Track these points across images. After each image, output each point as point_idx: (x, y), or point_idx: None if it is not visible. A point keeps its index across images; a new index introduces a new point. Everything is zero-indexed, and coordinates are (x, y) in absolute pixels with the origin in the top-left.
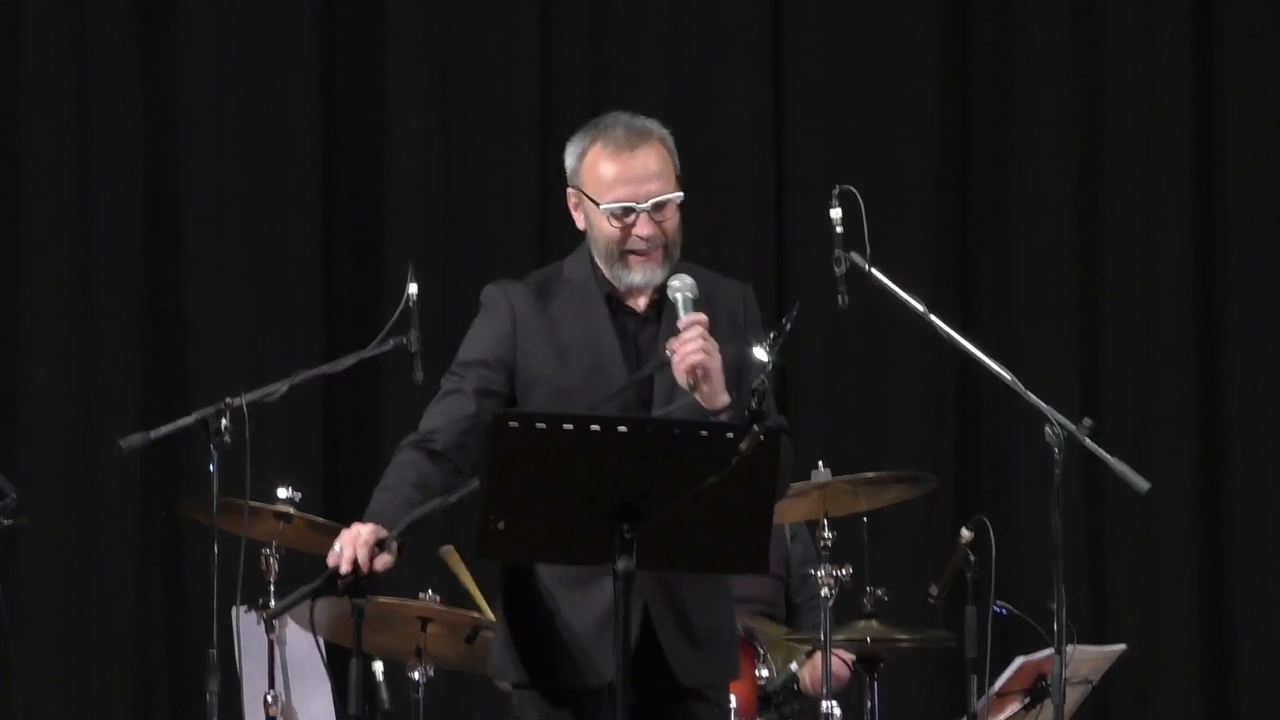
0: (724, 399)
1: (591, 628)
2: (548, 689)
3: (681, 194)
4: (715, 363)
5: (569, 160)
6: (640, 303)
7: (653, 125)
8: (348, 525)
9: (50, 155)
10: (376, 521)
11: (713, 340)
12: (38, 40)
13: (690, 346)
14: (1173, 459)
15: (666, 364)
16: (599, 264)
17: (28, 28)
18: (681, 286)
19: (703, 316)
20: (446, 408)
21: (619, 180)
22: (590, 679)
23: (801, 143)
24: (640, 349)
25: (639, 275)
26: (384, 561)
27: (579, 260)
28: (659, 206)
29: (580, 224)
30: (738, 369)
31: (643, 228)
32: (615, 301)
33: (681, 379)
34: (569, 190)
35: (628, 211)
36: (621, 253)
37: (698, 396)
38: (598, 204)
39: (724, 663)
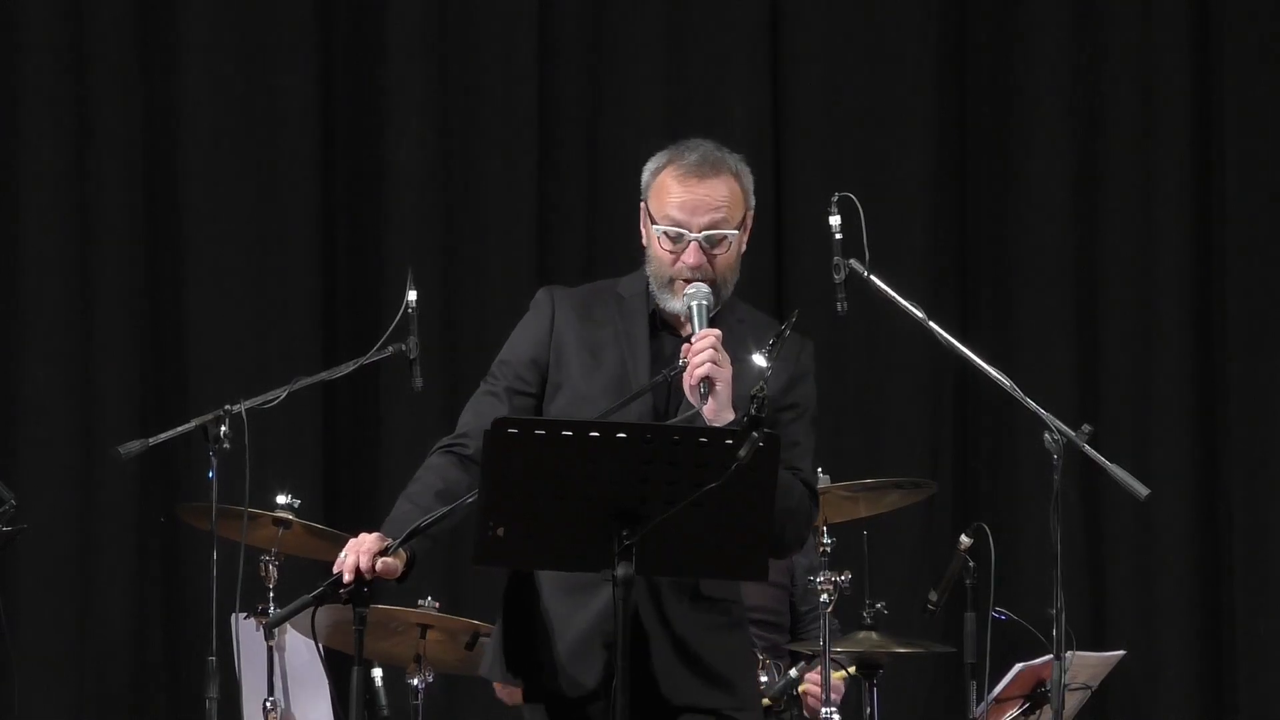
0: (728, 416)
1: (582, 636)
2: (539, 696)
3: (738, 233)
4: (724, 374)
5: (645, 175)
6: (685, 326)
7: (732, 159)
8: (347, 531)
9: (49, 159)
10: (391, 530)
11: (724, 353)
12: (35, 44)
13: (701, 358)
14: (1172, 465)
15: (680, 371)
16: (650, 283)
17: (25, 31)
18: (696, 294)
19: (716, 331)
20: (479, 408)
21: (678, 204)
22: (577, 688)
23: (800, 148)
24: (671, 383)
25: (682, 304)
26: (387, 567)
27: (636, 276)
28: (713, 240)
29: (643, 240)
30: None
31: (690, 255)
32: (659, 320)
33: (689, 389)
34: (642, 204)
35: (678, 237)
36: (670, 278)
37: (706, 409)
38: (655, 222)
39: (726, 692)
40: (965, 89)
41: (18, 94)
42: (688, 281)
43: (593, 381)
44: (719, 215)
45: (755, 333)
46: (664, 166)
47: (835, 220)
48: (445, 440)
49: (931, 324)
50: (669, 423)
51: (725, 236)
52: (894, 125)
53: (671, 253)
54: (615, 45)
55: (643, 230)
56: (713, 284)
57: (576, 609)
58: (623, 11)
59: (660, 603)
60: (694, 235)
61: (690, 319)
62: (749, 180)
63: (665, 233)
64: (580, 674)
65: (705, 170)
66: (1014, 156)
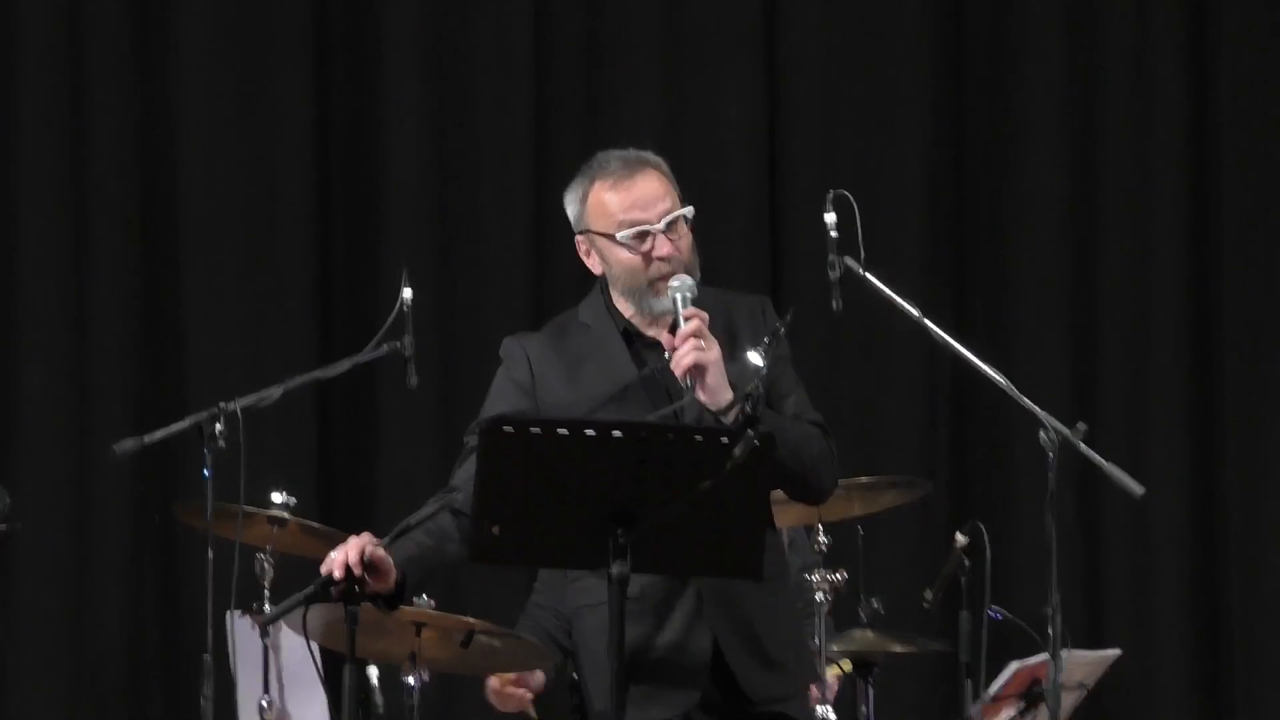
0: (725, 396)
1: (663, 658)
2: None
3: (691, 208)
4: (711, 357)
5: (571, 208)
6: (659, 332)
7: (647, 154)
8: (343, 529)
9: (45, 160)
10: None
11: (711, 337)
12: (32, 47)
13: (685, 348)
14: (1167, 463)
15: (666, 364)
16: (623, 300)
17: (21, 34)
18: (680, 286)
19: (700, 313)
20: (469, 467)
21: (627, 206)
22: (668, 709)
23: (796, 148)
24: (660, 378)
25: (669, 301)
26: (377, 556)
27: (592, 302)
28: (672, 224)
29: (596, 268)
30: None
31: (661, 247)
32: (632, 334)
33: (681, 378)
34: (578, 238)
35: (644, 235)
36: (648, 281)
37: (701, 396)
38: (612, 236)
39: (795, 675)
40: (961, 89)
41: (14, 96)
42: (666, 278)
43: (592, 408)
44: (668, 201)
45: (739, 311)
46: (591, 187)
47: (830, 218)
48: (439, 493)
49: (927, 322)
50: (668, 414)
51: (682, 215)
52: (890, 125)
53: (642, 254)
54: (611, 47)
55: (588, 261)
56: (684, 271)
57: (648, 636)
58: (618, 14)
59: (732, 605)
60: (656, 226)
61: (674, 310)
62: (667, 168)
63: (629, 238)
64: (669, 695)
65: (634, 169)
66: (1010, 155)
